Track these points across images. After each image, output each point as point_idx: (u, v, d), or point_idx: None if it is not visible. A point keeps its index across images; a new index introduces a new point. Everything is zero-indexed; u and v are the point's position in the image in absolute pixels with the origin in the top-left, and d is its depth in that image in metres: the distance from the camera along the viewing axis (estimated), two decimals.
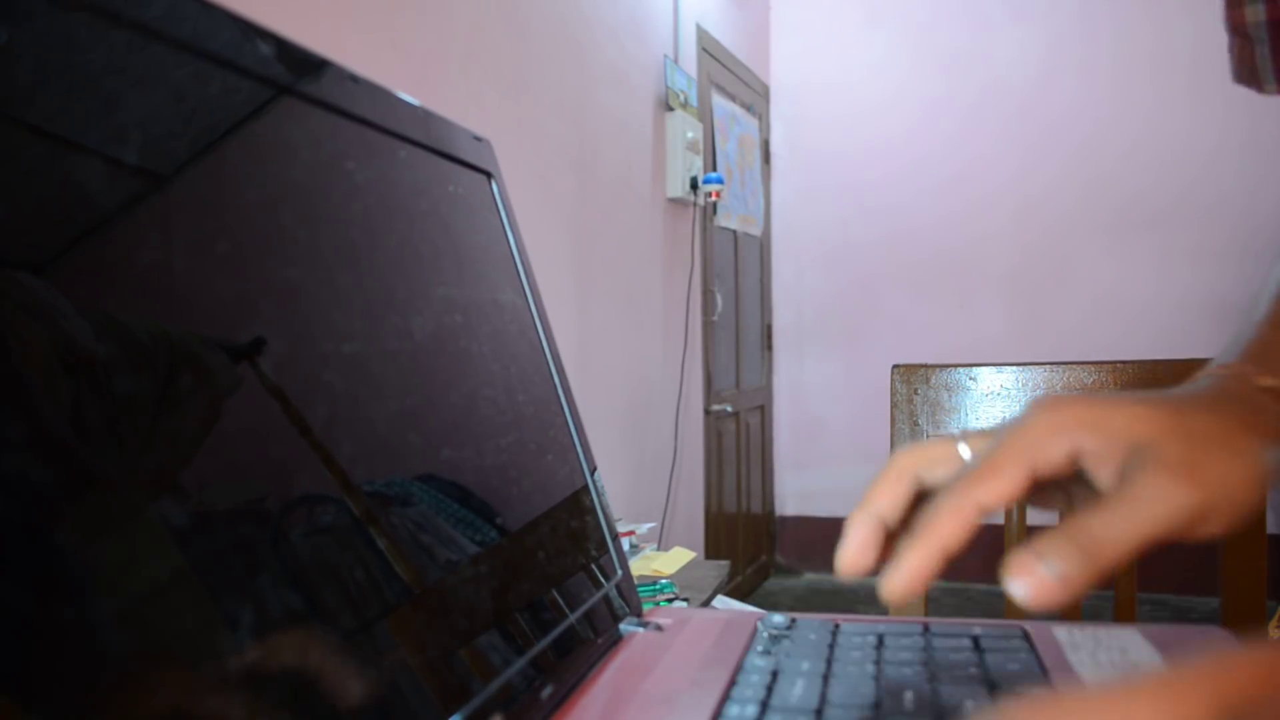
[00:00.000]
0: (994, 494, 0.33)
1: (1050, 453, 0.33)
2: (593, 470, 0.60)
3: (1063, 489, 0.38)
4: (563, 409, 0.60)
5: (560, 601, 0.51)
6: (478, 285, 0.53)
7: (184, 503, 0.30)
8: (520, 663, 0.44)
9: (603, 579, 0.57)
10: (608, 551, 0.59)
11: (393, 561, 0.39)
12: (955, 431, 0.99)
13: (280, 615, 0.32)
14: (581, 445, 0.60)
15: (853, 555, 0.36)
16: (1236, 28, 0.61)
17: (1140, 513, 0.30)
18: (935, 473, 0.37)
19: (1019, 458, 0.33)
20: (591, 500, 0.59)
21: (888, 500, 0.37)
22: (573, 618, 0.51)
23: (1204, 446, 0.33)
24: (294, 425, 0.35)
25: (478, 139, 0.58)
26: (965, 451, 0.37)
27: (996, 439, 0.34)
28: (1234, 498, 0.32)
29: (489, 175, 0.59)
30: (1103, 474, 0.33)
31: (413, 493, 0.43)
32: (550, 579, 0.51)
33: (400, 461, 0.42)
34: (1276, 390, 0.37)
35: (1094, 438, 0.33)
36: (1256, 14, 0.58)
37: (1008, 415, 0.97)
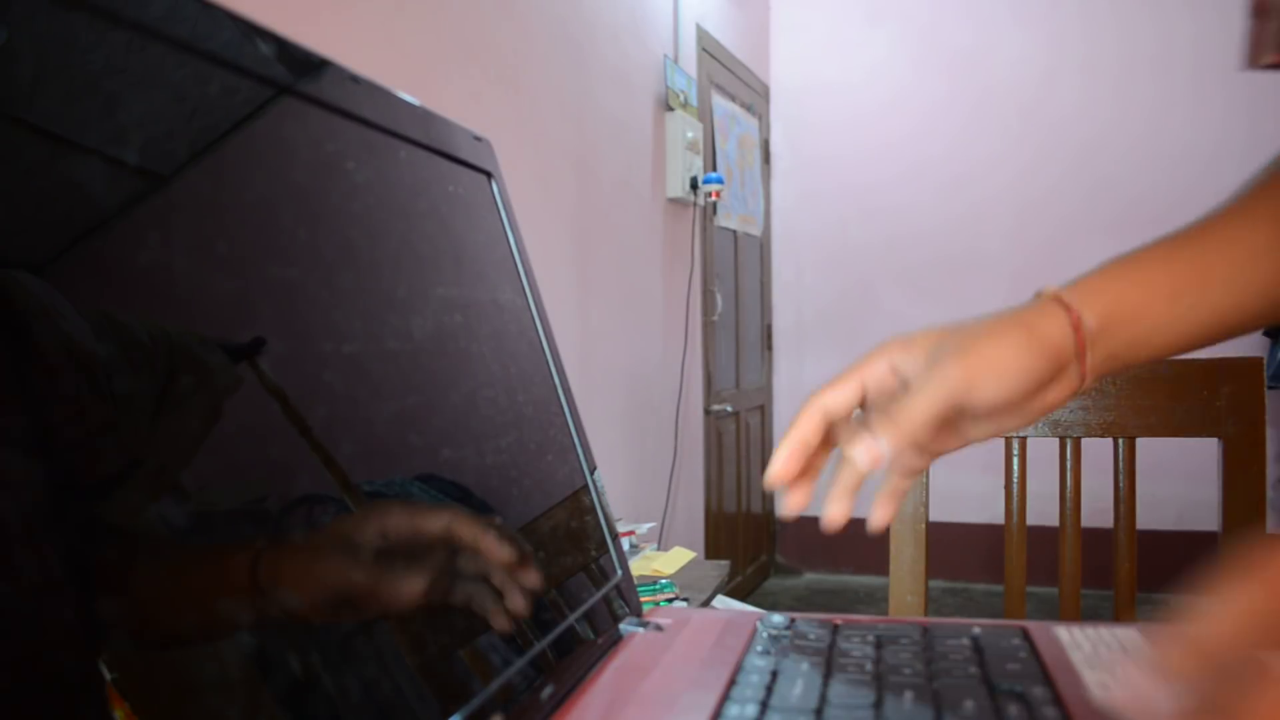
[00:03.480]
0: (833, 398, 0.47)
1: (874, 368, 0.47)
2: (592, 470, 0.60)
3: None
4: (563, 409, 0.60)
5: (560, 601, 0.51)
6: (478, 285, 0.53)
7: (184, 503, 0.30)
8: (520, 663, 0.44)
9: (603, 579, 0.57)
10: (608, 551, 0.59)
11: (393, 562, 0.39)
12: None
13: (280, 616, 0.32)
14: (581, 445, 0.60)
15: (779, 469, 0.46)
16: (1260, 7, 0.66)
17: (926, 389, 0.43)
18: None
19: (851, 373, 0.47)
20: (591, 500, 0.59)
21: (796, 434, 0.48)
22: (572, 618, 0.51)
23: (973, 337, 0.45)
24: (294, 425, 0.35)
25: (478, 139, 0.58)
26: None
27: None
28: (996, 367, 0.44)
29: (489, 175, 0.59)
30: (911, 376, 0.46)
31: (413, 493, 0.43)
32: (550, 579, 0.51)
33: (400, 461, 0.42)
34: (1056, 294, 0.47)
35: (903, 352, 0.47)
36: None
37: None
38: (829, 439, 0.48)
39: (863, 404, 0.48)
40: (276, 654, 0.31)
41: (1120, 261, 0.51)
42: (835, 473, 0.45)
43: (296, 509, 0.35)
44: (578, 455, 0.60)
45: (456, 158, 0.55)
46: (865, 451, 0.43)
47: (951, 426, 0.48)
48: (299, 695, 0.31)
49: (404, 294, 0.45)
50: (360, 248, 0.43)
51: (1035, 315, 0.46)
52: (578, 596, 0.53)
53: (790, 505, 0.47)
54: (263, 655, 0.30)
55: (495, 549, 0.45)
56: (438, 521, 0.42)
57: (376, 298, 0.43)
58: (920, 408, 0.43)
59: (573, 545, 0.56)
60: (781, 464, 0.46)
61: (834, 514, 0.45)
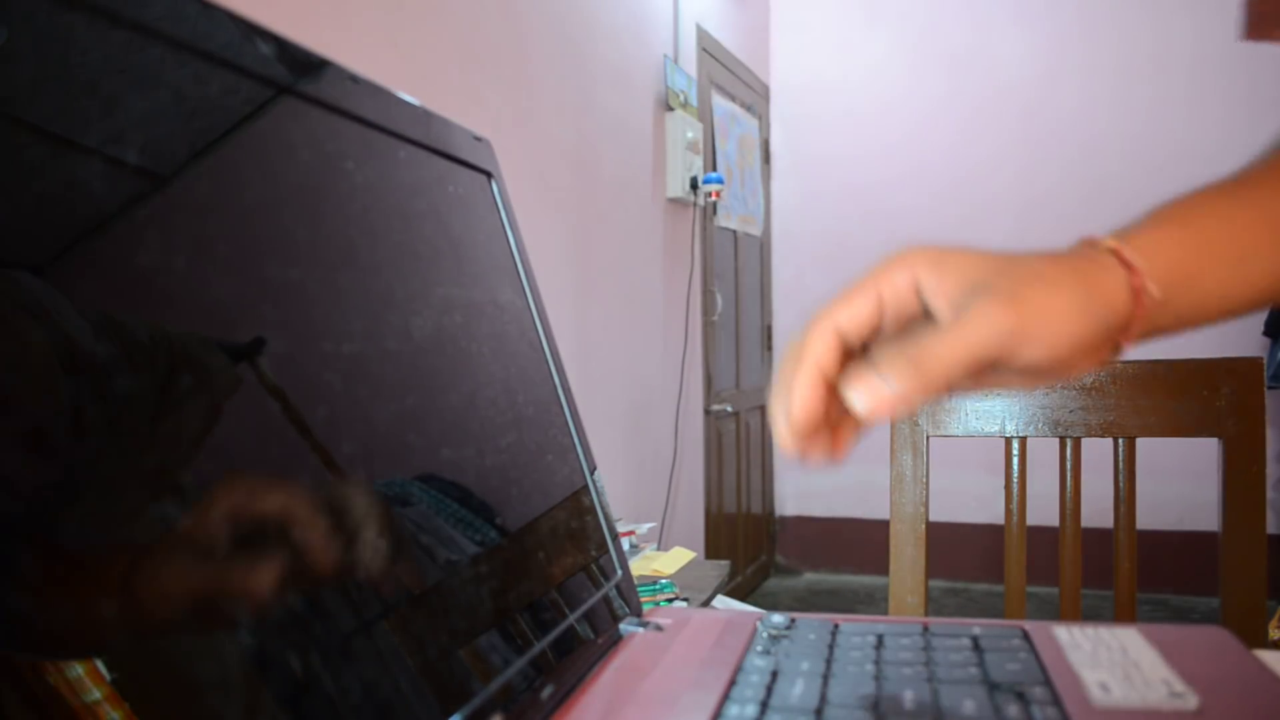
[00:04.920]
0: (847, 314, 0.39)
1: (895, 282, 0.39)
2: (592, 470, 0.60)
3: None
4: (563, 409, 0.60)
5: (560, 601, 0.51)
6: (477, 285, 0.53)
7: (184, 503, 0.30)
8: (520, 663, 0.44)
9: (603, 579, 0.57)
10: (608, 551, 0.59)
11: (392, 562, 0.39)
12: (956, 432, 0.99)
13: (280, 616, 0.32)
14: (581, 445, 0.60)
15: (802, 408, 0.38)
16: None
17: (964, 334, 0.36)
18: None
19: (868, 286, 0.39)
20: (591, 500, 0.59)
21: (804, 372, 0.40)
22: (572, 618, 0.51)
23: (1028, 282, 0.37)
24: (294, 426, 0.35)
25: (478, 139, 0.58)
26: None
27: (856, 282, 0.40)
28: (1052, 325, 0.37)
29: (489, 175, 0.59)
30: (939, 305, 0.38)
31: (413, 493, 0.43)
32: (550, 579, 0.51)
33: (400, 461, 0.42)
34: (1116, 249, 0.40)
35: (933, 273, 0.38)
36: None
37: (1007, 416, 0.97)
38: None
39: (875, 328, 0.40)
40: (275, 653, 0.31)
41: (1172, 212, 0.43)
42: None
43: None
44: (578, 455, 0.60)
45: (456, 158, 0.55)
46: (869, 395, 0.35)
47: (974, 374, 0.40)
48: (298, 695, 0.31)
49: (404, 294, 0.45)
50: (360, 248, 0.43)
51: (1095, 270, 0.39)
52: (578, 596, 0.53)
53: (808, 455, 0.39)
54: (262, 655, 0.30)
55: (498, 551, 0.45)
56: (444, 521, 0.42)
57: (376, 298, 0.43)
58: (952, 354, 0.35)
59: (573, 545, 0.56)
60: (803, 403, 0.38)
61: (823, 458, 0.39)
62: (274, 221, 0.38)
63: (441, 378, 0.48)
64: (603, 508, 0.60)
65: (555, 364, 0.60)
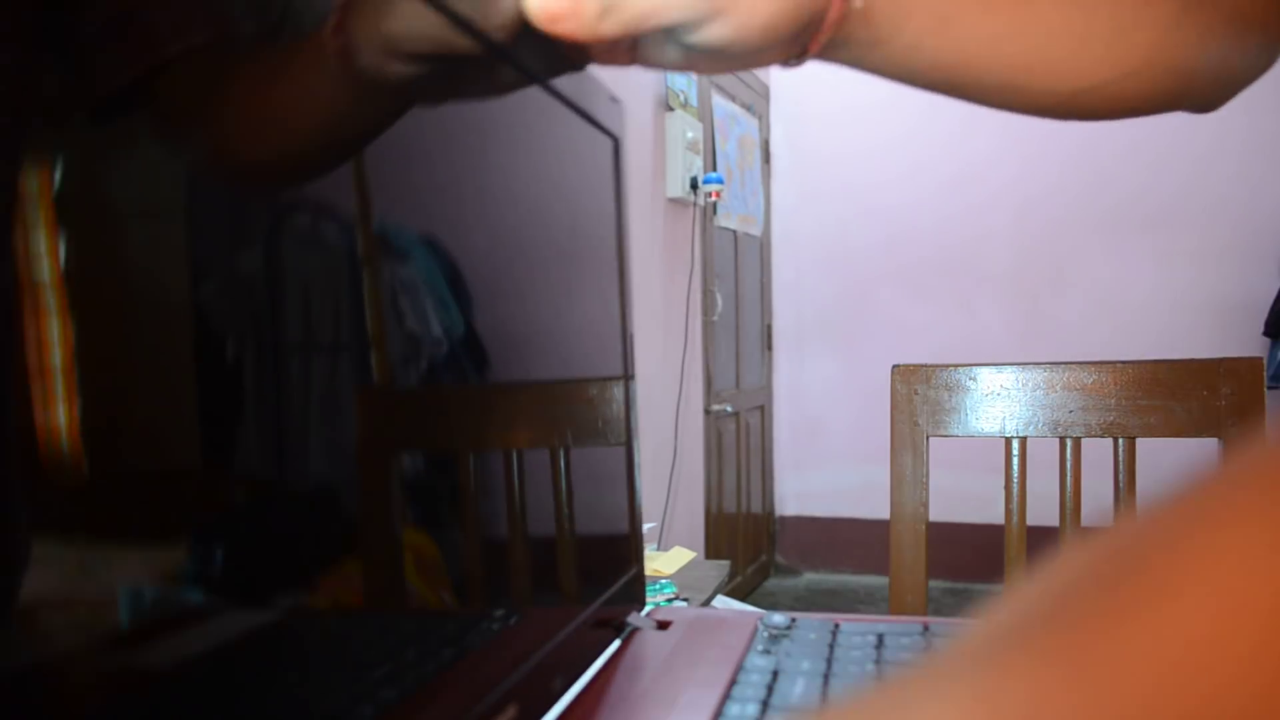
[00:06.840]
0: None
1: None
2: (630, 458, 0.60)
3: None
4: (624, 407, 0.59)
5: (564, 601, 0.51)
6: (584, 243, 0.55)
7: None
8: (522, 662, 0.44)
9: (618, 571, 0.57)
10: (626, 545, 0.59)
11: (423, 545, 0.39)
12: (956, 432, 0.99)
13: (292, 611, 0.32)
14: (628, 452, 0.60)
15: None
16: None
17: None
18: None
19: None
20: (624, 498, 0.59)
21: None
22: (575, 620, 0.51)
23: None
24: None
25: (614, 100, 0.58)
26: None
27: None
28: (746, 4, 0.37)
29: (616, 140, 0.58)
30: None
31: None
32: (556, 577, 0.51)
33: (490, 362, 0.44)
34: None
35: None
36: None
37: (1007, 416, 0.98)
38: None
39: None
40: (291, 647, 0.31)
41: None
42: None
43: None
44: (624, 461, 0.59)
45: (591, 117, 0.55)
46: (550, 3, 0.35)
47: (658, 42, 0.40)
48: (309, 688, 0.32)
49: (520, 240, 0.47)
50: (493, 178, 0.45)
51: None
52: (583, 595, 0.53)
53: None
54: (279, 647, 0.31)
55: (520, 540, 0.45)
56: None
57: (499, 228, 0.45)
58: (638, 9, 0.36)
59: (588, 539, 0.56)
60: None
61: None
62: (418, 143, 0.39)
63: (538, 317, 0.49)
64: (634, 503, 0.60)
65: (624, 338, 0.60)
